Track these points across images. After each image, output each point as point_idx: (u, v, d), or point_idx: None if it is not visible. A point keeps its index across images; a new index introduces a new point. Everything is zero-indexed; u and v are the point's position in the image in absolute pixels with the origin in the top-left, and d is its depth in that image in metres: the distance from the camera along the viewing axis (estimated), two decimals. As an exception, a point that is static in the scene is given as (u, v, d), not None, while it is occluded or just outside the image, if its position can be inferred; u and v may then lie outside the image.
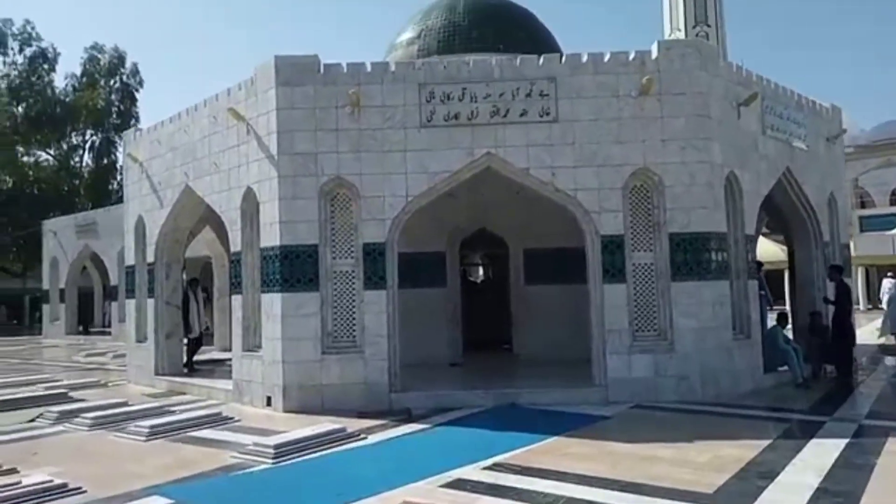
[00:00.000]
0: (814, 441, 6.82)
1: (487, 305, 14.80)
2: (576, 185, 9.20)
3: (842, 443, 6.73)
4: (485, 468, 6.14)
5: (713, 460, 6.20)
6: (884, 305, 17.03)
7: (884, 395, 9.37)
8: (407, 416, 8.53)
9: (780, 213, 12.44)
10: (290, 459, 6.62)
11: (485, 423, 8.03)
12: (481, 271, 18.47)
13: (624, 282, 9.14)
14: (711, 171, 9.34)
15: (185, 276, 13.27)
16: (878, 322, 16.75)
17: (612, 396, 8.93)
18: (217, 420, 8.63)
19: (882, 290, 17.64)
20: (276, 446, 6.69)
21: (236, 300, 10.22)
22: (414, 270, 11.91)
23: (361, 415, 8.61)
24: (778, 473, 5.77)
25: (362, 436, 7.48)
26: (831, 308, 11.22)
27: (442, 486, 5.71)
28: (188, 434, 7.96)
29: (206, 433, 8.00)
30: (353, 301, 9.30)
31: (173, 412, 9.27)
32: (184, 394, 11.20)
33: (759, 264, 11.03)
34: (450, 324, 12.26)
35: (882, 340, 15.65)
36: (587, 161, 9.19)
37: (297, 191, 9.27)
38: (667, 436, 7.13)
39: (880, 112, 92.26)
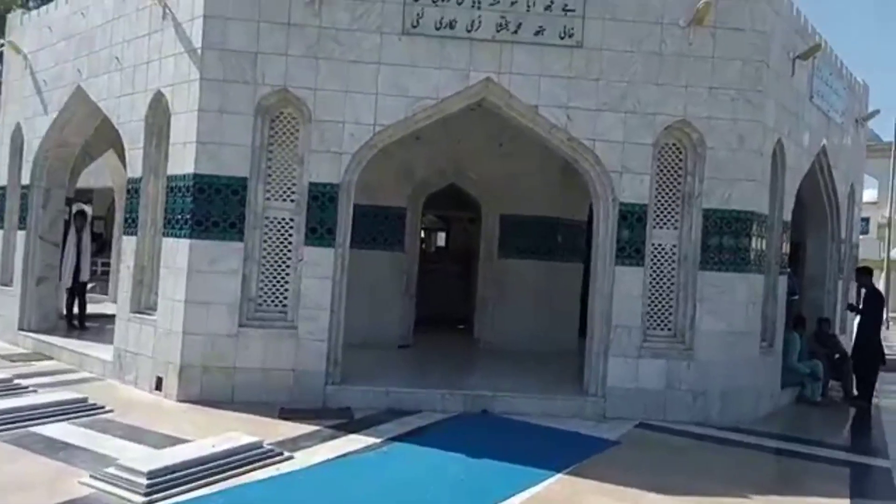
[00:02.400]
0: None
1: (444, 278, 12.63)
2: (595, 135, 7.05)
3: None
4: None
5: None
6: None
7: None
8: (348, 421, 6.31)
9: (798, 199, 10.68)
10: (171, 499, 4.30)
11: (455, 441, 5.87)
12: (442, 236, 16.19)
13: (641, 265, 7.11)
14: (764, 134, 7.37)
15: (73, 210, 10.44)
16: None
17: (611, 410, 6.96)
18: (81, 408, 6.16)
19: None
20: (152, 474, 4.35)
21: (128, 243, 7.64)
22: (366, 227, 9.61)
23: (285, 414, 6.33)
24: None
25: (285, 455, 5.20)
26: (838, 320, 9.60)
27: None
28: (32, 430, 5.50)
29: (58, 430, 5.55)
30: (289, 259, 6.94)
31: (22, 390, 6.73)
32: (51, 358, 8.60)
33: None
34: (403, 297, 10.02)
35: None
36: (614, 105, 7.05)
37: (224, 102, 6.76)
38: (711, 482, 5.19)
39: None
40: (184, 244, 6.78)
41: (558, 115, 7.02)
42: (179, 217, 6.87)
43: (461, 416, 6.69)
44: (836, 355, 9.36)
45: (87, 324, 10.04)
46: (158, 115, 7.42)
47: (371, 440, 5.76)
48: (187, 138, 6.84)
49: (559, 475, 5.16)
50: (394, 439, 5.84)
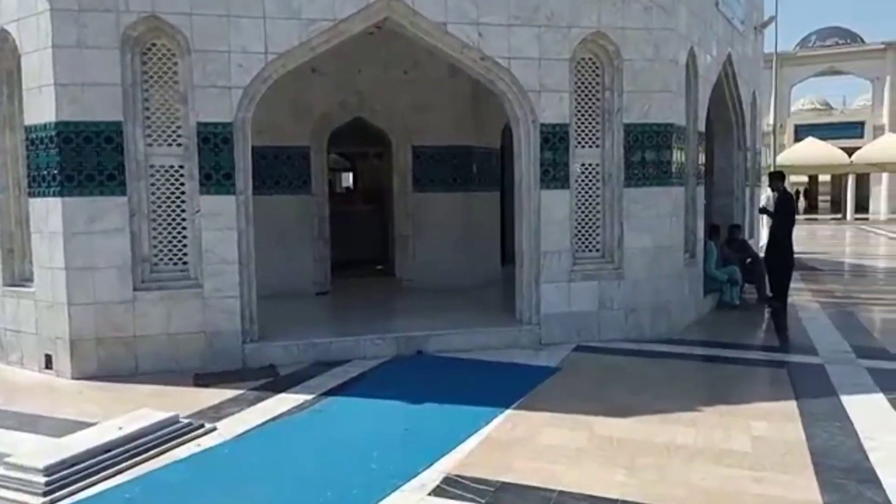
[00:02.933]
0: (847, 398, 5.10)
1: (356, 218, 12.03)
2: (509, 52, 6.58)
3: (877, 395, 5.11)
4: (436, 492, 3.67)
5: (762, 447, 4.22)
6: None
7: (845, 325, 8.03)
8: (273, 379, 5.80)
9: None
10: (77, 495, 3.69)
11: (392, 389, 5.49)
12: (348, 177, 15.41)
13: (567, 187, 6.83)
14: (678, 43, 7.16)
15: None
16: None
17: (546, 336, 6.78)
18: (-46, 402, 5.31)
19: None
20: (49, 470, 3.70)
21: (-11, 208, 6.60)
22: (267, 170, 8.87)
23: (202, 380, 5.73)
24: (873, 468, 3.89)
25: (206, 427, 4.64)
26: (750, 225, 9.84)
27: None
28: None
29: (-71, 430, 4.74)
30: (183, 211, 6.17)
31: None
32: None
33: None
34: (316, 242, 9.39)
35: None
36: (527, 19, 6.58)
37: (83, 35, 5.76)
38: (658, 400, 5.09)
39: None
40: (55, 203, 5.87)
41: (469, 32, 6.48)
42: (45, 173, 5.92)
43: (395, 361, 6.30)
44: (748, 259, 9.62)
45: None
46: (6, 58, 6.30)
47: (302, 397, 5.28)
48: (42, 81, 5.82)
49: (507, 411, 4.90)
50: (326, 394, 5.38)
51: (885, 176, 30.88)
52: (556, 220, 6.78)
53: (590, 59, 6.95)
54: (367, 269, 11.28)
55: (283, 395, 5.35)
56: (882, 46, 32.21)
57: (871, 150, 26.93)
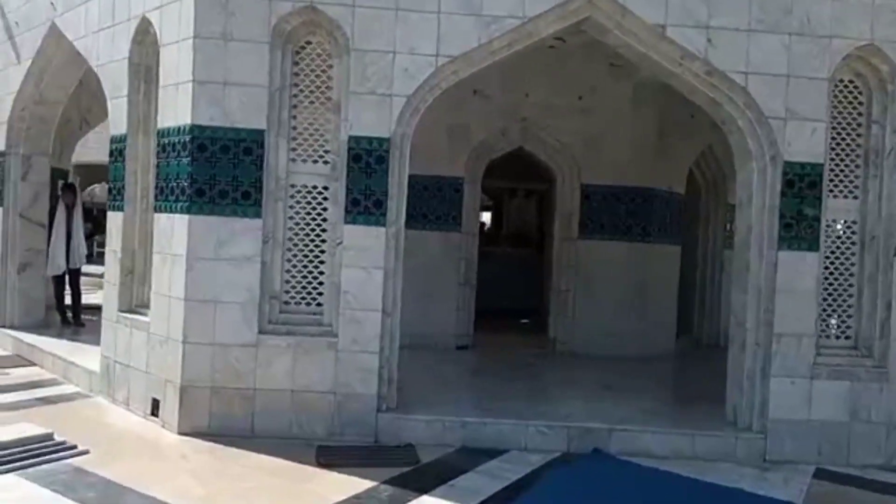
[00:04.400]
0: None
1: (502, 263, 10.71)
2: (748, 66, 5.02)
3: None
4: None
5: None
6: None
7: None
8: (413, 469, 4.48)
9: None
10: None
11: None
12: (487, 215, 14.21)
13: (815, 249, 5.11)
14: (982, 65, 5.30)
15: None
16: None
17: (774, 451, 5.00)
18: (44, 450, 4.40)
19: None
20: None
21: (113, 220, 5.83)
22: (414, 202, 7.65)
23: (324, 458, 4.52)
24: None
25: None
26: None
27: None
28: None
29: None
30: (323, 241, 5.09)
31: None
32: (32, 364, 6.94)
33: None
34: (461, 287, 8.13)
35: None
36: (773, 24, 5.01)
37: (229, 25, 4.87)
38: None
39: None
40: (181, 221, 4.95)
41: (694, 37, 5.00)
42: (174, 185, 5.04)
43: (566, 461, 4.79)
44: None
45: (84, 318, 8.34)
46: (146, 51, 5.57)
47: (459, 506, 3.92)
48: (180, 77, 4.97)
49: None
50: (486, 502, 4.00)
51: None
52: (799, 291, 5.04)
53: (850, 81, 5.25)
54: (511, 323, 9.90)
55: (427, 499, 4.01)
56: None
57: None
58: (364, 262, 4.98)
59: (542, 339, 8.60)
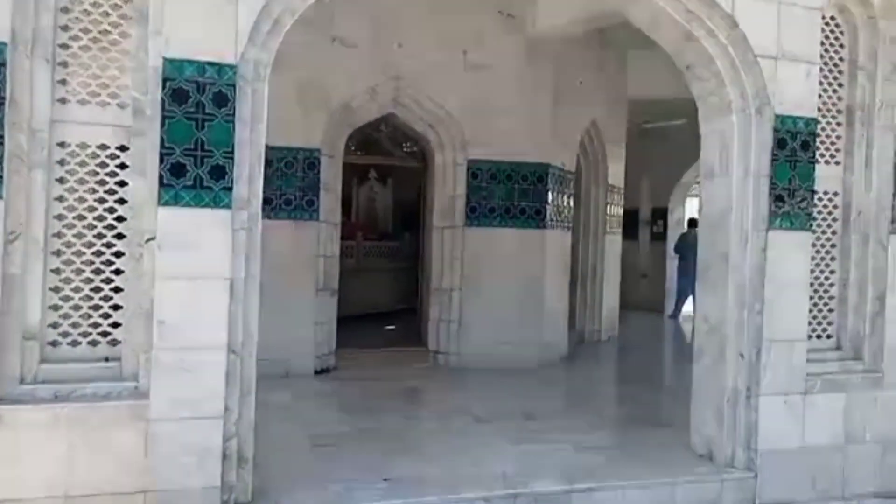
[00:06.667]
0: None
1: (357, 257, 8.95)
2: (732, -12, 3.76)
3: None
4: None
5: None
6: None
7: None
8: None
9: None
10: None
11: None
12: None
13: (807, 227, 3.98)
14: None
15: None
16: None
17: (767, 491, 3.83)
18: None
19: None
20: None
21: None
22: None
23: None
24: None
25: None
26: None
27: None
28: None
29: None
30: (119, 237, 3.03)
31: None
32: None
33: None
34: (321, 294, 6.24)
35: None
36: (762, -69, 3.80)
37: None
38: None
39: None
40: None
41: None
42: None
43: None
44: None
45: None
46: None
47: None
48: None
49: None
50: None
51: None
52: (792, 283, 3.90)
53: (832, 18, 4.19)
54: (374, 330, 8.17)
55: None
56: None
57: None
58: (193, 270, 3.01)
59: (419, 352, 6.96)
